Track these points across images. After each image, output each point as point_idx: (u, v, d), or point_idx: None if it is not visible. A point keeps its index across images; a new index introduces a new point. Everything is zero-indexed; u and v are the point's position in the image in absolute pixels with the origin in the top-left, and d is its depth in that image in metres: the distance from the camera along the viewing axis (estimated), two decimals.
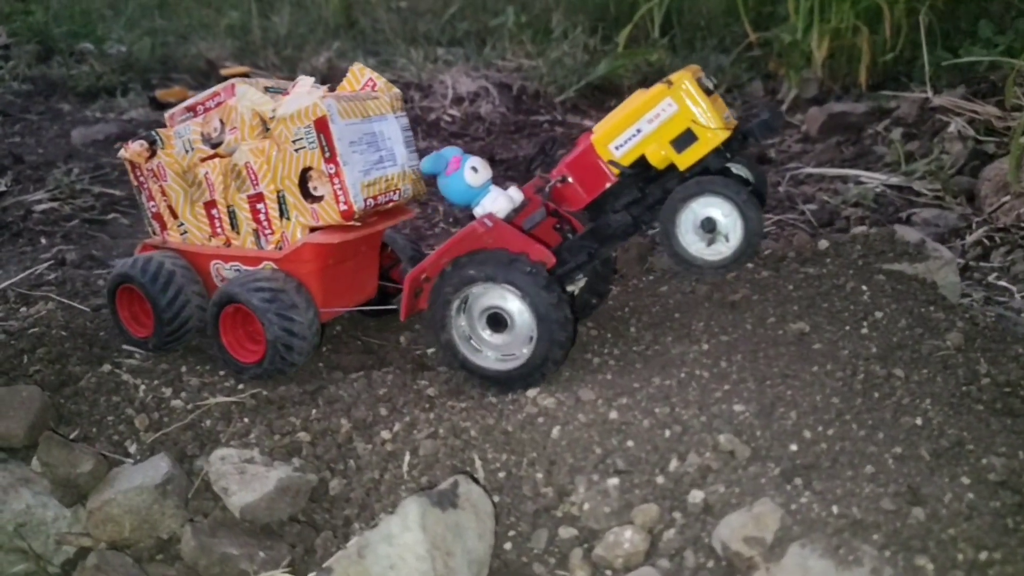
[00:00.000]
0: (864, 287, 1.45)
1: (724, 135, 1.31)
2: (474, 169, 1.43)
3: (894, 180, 2.62)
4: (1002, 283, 2.02)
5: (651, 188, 1.41)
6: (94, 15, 4.60)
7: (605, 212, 1.43)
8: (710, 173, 1.37)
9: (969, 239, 2.24)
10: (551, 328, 1.35)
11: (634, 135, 1.36)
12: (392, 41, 4.33)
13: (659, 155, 1.35)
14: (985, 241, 2.24)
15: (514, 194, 1.47)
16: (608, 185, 1.41)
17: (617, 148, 1.37)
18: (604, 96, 3.86)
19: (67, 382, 1.57)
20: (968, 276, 2.04)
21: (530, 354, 1.38)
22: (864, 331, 1.36)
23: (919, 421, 1.19)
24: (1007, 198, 2.33)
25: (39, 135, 3.39)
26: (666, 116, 1.32)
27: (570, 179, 1.42)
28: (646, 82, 3.91)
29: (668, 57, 3.99)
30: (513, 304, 1.38)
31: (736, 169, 1.44)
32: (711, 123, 1.30)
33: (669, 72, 4.02)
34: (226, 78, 1.65)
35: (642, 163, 1.37)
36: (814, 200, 2.57)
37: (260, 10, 4.68)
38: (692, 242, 1.34)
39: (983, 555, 0.97)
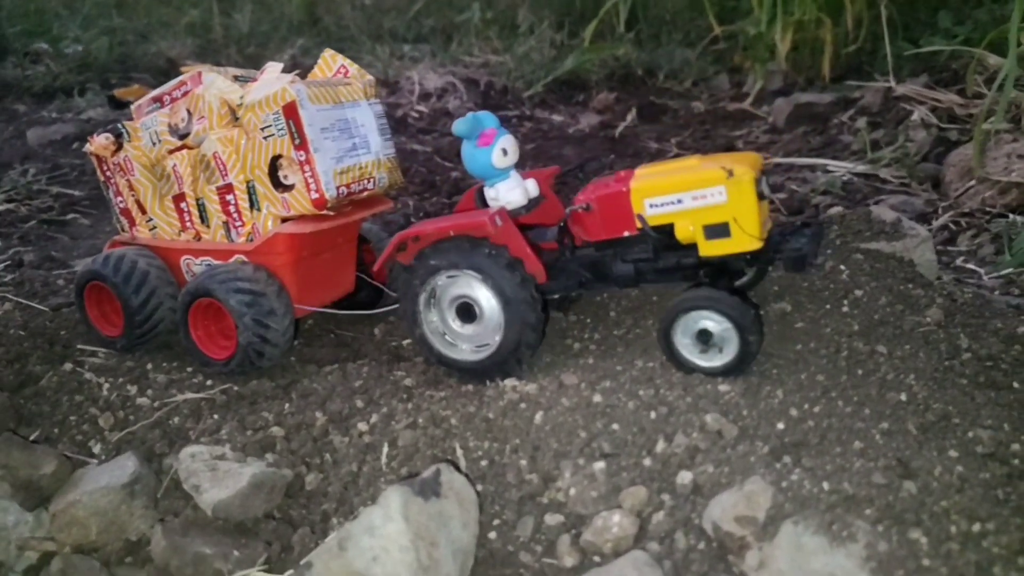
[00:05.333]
0: (843, 266, 1.44)
1: (756, 246, 1.25)
2: (504, 152, 1.39)
3: (861, 168, 2.64)
4: (970, 266, 2.04)
5: (665, 255, 1.35)
6: (49, 14, 4.49)
7: (614, 254, 1.38)
8: (726, 269, 1.33)
9: (936, 224, 2.26)
10: (519, 310, 1.32)
11: (673, 203, 1.28)
12: (357, 38, 4.28)
13: (687, 231, 1.28)
14: (951, 225, 2.26)
15: (531, 188, 1.44)
16: (627, 233, 1.34)
17: (652, 206, 1.30)
18: (572, 91, 3.85)
19: (27, 382, 1.51)
20: (937, 260, 2.05)
21: (502, 339, 1.36)
22: (845, 309, 1.36)
23: (904, 396, 1.19)
24: (972, 183, 2.36)
25: None
26: (712, 202, 1.25)
27: (594, 210, 1.35)
28: (613, 76, 3.93)
29: (634, 51, 4.00)
30: (480, 291, 1.36)
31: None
32: (751, 230, 1.23)
33: (636, 67, 3.95)
34: None
35: (668, 230, 1.31)
36: (783, 189, 2.58)
37: (221, 8, 4.61)
38: (686, 346, 1.29)
39: (976, 527, 0.96)
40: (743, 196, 1.23)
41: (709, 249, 1.28)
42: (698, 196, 1.26)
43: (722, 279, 1.31)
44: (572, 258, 1.42)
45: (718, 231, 1.26)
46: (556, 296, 1.48)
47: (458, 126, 1.38)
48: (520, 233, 1.34)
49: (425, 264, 1.37)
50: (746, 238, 1.24)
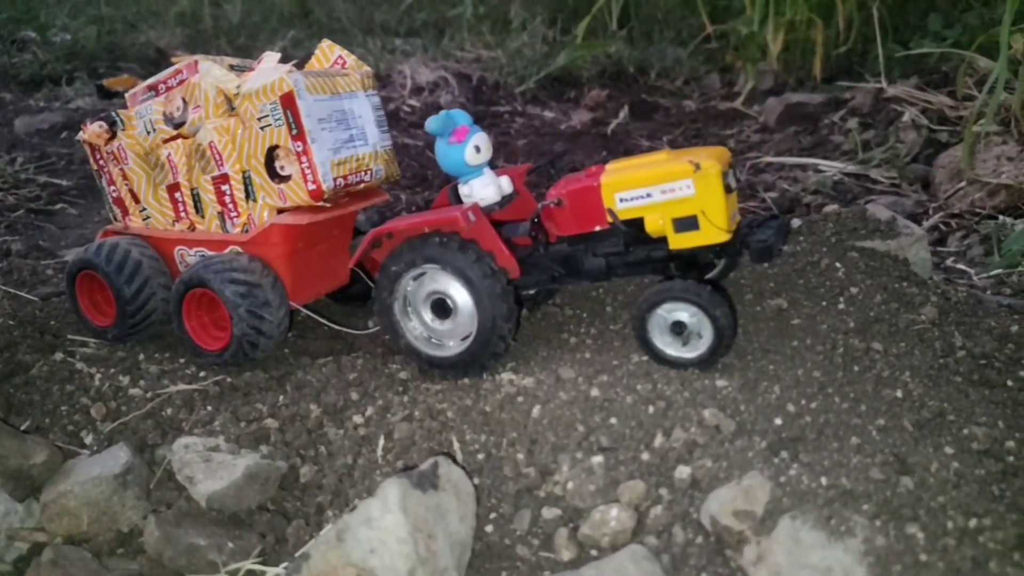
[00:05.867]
0: (838, 264, 1.45)
1: (724, 238, 1.27)
2: (477, 149, 1.39)
3: (852, 168, 2.65)
4: (960, 266, 2.05)
5: (635, 249, 1.36)
6: (36, 2, 4.43)
7: (585, 248, 1.39)
8: (696, 262, 1.35)
9: (926, 225, 2.27)
10: (483, 285, 1.33)
11: (643, 197, 1.30)
12: (348, 31, 4.26)
13: (657, 224, 1.30)
14: (941, 226, 2.28)
15: (504, 185, 1.44)
16: (598, 228, 1.36)
17: (622, 200, 1.31)
18: (563, 87, 3.84)
19: (17, 371, 1.49)
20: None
21: (479, 320, 1.35)
22: (841, 306, 1.36)
23: (900, 393, 1.19)
24: (961, 185, 2.38)
25: None
26: (680, 195, 1.27)
27: (565, 205, 1.36)
28: (605, 73, 3.94)
29: (627, 49, 4.00)
30: (445, 282, 1.37)
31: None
32: (718, 222, 1.25)
33: (628, 64, 3.94)
34: None
35: (638, 223, 1.33)
36: (774, 188, 2.59)
37: None
38: (668, 343, 1.30)
39: (972, 522, 0.97)
40: (710, 189, 1.25)
41: (678, 242, 1.29)
42: (667, 190, 1.28)
43: (692, 272, 1.33)
44: (545, 253, 1.43)
45: (687, 224, 1.28)
46: (532, 291, 1.48)
47: (431, 123, 1.39)
48: (493, 229, 1.35)
49: (387, 274, 1.39)
50: (714, 230, 1.26)
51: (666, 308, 1.28)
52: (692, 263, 1.35)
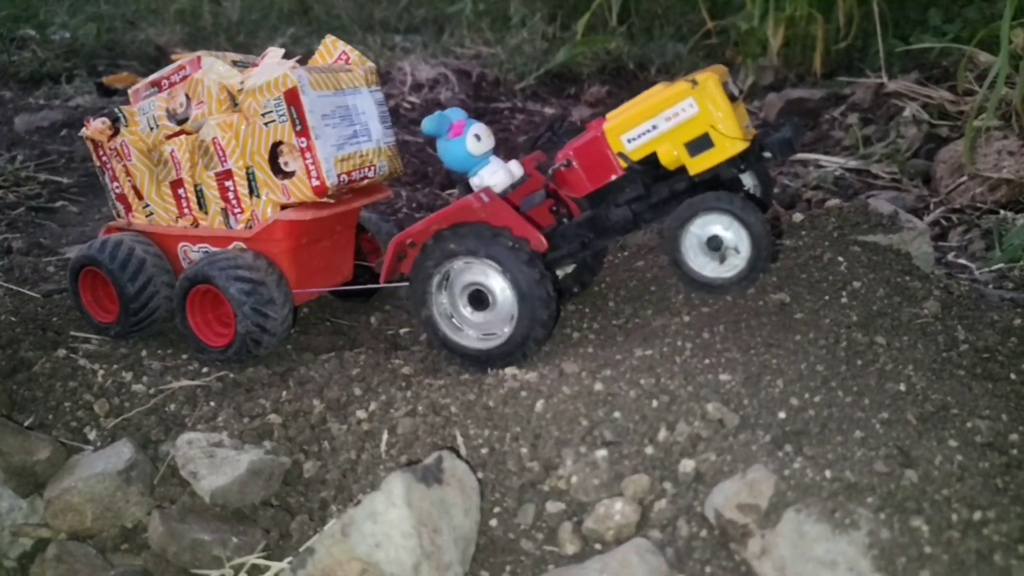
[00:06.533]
0: (841, 258, 1.45)
1: (742, 146, 1.22)
2: (477, 137, 1.38)
3: (852, 163, 2.66)
4: (961, 261, 2.06)
5: (657, 187, 1.32)
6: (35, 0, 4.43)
7: (606, 204, 1.36)
8: (720, 182, 1.30)
9: (927, 219, 2.27)
10: (533, 306, 1.31)
11: (649, 131, 1.27)
12: (348, 28, 4.26)
13: (671, 155, 1.26)
14: (943, 221, 2.28)
15: (514, 168, 1.43)
16: (613, 177, 1.33)
17: (629, 141, 1.29)
18: (563, 83, 3.85)
19: (19, 368, 1.49)
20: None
21: (511, 332, 1.35)
22: (844, 300, 1.36)
23: (903, 387, 1.19)
24: (962, 179, 2.38)
25: None
26: (685, 117, 1.24)
27: (575, 164, 1.33)
28: (605, 70, 3.94)
29: (626, 45, 4.00)
30: (495, 281, 1.35)
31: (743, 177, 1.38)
32: (731, 132, 1.21)
33: (627, 60, 3.95)
34: None
35: (652, 160, 1.29)
36: (775, 183, 2.59)
37: None
38: (705, 264, 1.27)
39: (977, 515, 0.97)
40: (714, 100, 1.23)
41: (697, 165, 1.26)
42: (671, 115, 1.25)
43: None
44: (569, 224, 1.41)
45: (701, 144, 1.25)
46: (562, 272, 1.45)
47: (426, 125, 1.38)
48: (511, 207, 1.33)
49: (442, 247, 1.35)
50: (729, 142, 1.23)
51: (699, 224, 1.24)
52: (716, 185, 1.30)
